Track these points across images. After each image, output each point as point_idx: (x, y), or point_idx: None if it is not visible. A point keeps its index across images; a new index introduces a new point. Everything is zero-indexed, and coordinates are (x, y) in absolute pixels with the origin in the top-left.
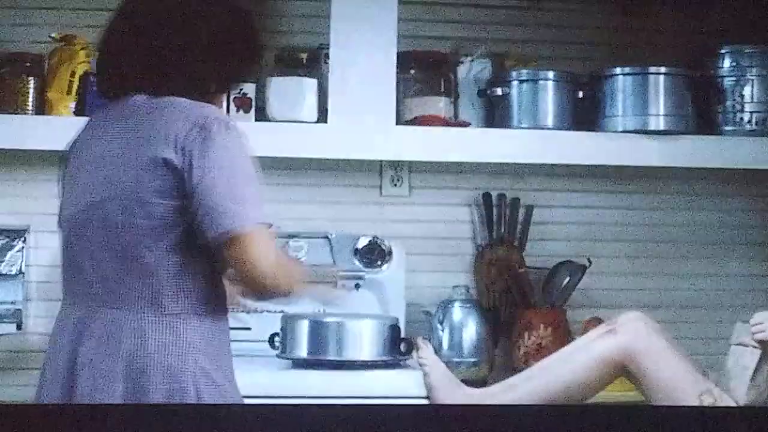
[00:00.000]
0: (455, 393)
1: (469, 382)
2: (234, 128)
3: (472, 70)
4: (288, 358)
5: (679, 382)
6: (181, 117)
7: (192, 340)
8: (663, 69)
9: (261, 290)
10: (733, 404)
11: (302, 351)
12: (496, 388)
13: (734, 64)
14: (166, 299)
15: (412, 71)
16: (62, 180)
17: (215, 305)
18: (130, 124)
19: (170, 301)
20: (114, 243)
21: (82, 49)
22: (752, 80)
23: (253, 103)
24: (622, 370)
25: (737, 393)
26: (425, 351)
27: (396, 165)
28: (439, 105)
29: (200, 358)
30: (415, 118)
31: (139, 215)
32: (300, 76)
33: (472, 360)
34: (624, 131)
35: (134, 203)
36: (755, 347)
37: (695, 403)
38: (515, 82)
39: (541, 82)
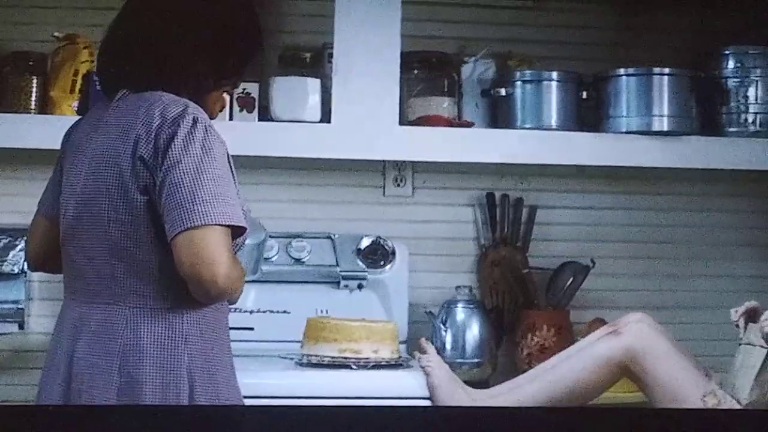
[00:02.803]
0: (458, 394)
1: (471, 383)
2: (204, 124)
3: (475, 71)
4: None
5: (682, 384)
6: (157, 112)
7: (186, 334)
8: (667, 70)
9: (209, 293)
10: (736, 405)
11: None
12: (499, 389)
13: (738, 65)
14: (158, 293)
15: (416, 71)
16: (56, 176)
17: (211, 308)
18: (115, 120)
19: (162, 295)
20: (104, 239)
21: (85, 48)
22: (756, 81)
23: (257, 103)
24: (625, 371)
25: (742, 392)
26: (428, 352)
27: (399, 165)
28: (443, 105)
29: (195, 352)
30: (419, 118)
31: (124, 211)
32: (303, 75)
33: (475, 361)
34: (628, 132)
35: (119, 199)
36: (762, 347)
37: (698, 404)
38: (519, 83)
39: (544, 82)
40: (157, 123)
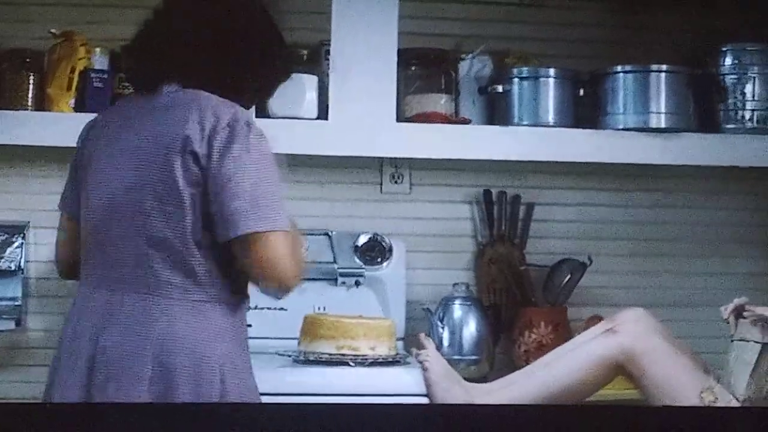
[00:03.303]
0: (454, 389)
1: (469, 380)
2: (259, 131)
3: (473, 68)
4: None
5: (679, 382)
6: (210, 112)
7: (219, 327)
8: (664, 67)
9: (280, 289)
10: (733, 401)
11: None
12: (496, 385)
13: (736, 61)
14: (196, 285)
15: (413, 68)
16: (78, 167)
17: (239, 295)
18: (162, 114)
19: (200, 287)
20: (144, 229)
21: (82, 45)
22: (754, 78)
23: None
24: (621, 370)
25: (738, 388)
26: (427, 347)
27: (396, 162)
28: (440, 102)
29: (227, 345)
30: (416, 115)
31: (170, 203)
32: (300, 72)
33: (473, 358)
34: (625, 129)
35: (165, 191)
36: (756, 341)
37: (696, 401)
38: (516, 80)
39: (542, 79)
40: (211, 122)
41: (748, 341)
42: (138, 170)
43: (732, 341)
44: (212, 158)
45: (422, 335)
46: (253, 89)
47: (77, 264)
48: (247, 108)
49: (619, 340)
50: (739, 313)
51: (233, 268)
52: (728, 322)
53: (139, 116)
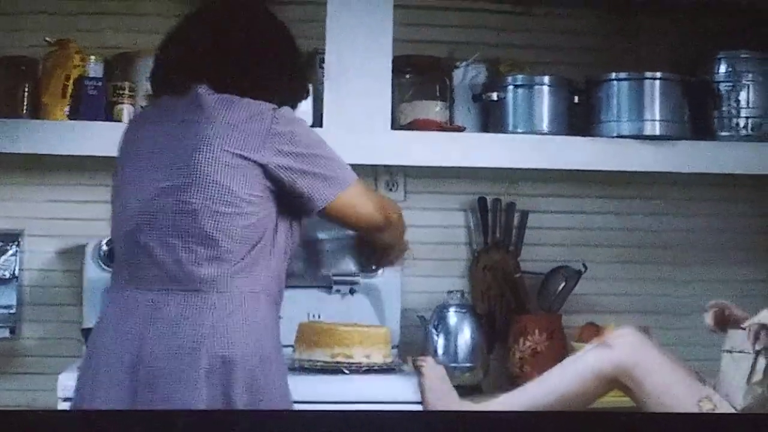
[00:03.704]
0: (449, 397)
1: (464, 388)
2: (300, 119)
3: (467, 75)
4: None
5: (675, 394)
6: (257, 119)
7: (264, 318)
8: (658, 74)
9: (388, 227)
10: (731, 410)
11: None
12: (491, 403)
13: (730, 69)
14: (243, 280)
15: (408, 76)
16: (120, 170)
17: (278, 293)
18: (205, 116)
19: (247, 281)
20: (192, 228)
21: (76, 53)
22: (748, 85)
23: None
24: (616, 383)
25: (735, 398)
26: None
27: (391, 169)
28: (435, 110)
29: (272, 338)
30: (411, 122)
31: (220, 201)
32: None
33: (468, 365)
34: (619, 136)
35: (215, 190)
36: (748, 352)
37: (694, 410)
38: (510, 87)
39: (536, 87)
40: (267, 122)
41: (741, 352)
42: (184, 170)
43: (722, 352)
44: (270, 156)
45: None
46: (281, 98)
47: None
48: None
49: (614, 354)
50: (721, 314)
51: (275, 266)
52: (715, 331)
53: (178, 118)
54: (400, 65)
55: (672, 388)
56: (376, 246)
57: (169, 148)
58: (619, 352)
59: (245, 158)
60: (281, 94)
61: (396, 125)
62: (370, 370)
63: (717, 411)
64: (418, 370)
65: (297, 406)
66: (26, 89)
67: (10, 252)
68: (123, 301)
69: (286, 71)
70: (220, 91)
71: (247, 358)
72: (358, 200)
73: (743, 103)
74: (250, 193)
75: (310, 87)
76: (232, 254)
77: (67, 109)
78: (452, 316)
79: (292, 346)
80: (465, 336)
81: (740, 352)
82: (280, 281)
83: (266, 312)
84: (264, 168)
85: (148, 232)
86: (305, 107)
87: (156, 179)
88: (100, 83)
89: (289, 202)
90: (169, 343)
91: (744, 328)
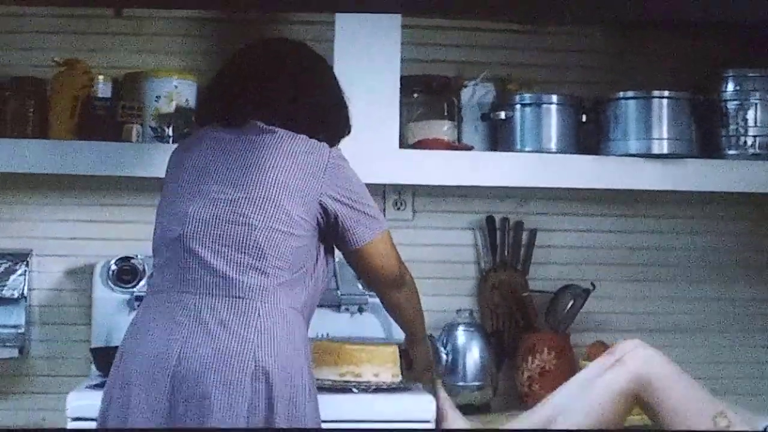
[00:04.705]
0: (459, 423)
1: (473, 407)
2: (347, 161)
3: (475, 94)
4: None
5: (692, 405)
6: (316, 153)
7: (303, 333)
8: (666, 93)
9: (399, 284)
10: (746, 427)
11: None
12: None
13: (738, 88)
14: (286, 293)
15: (416, 95)
16: (167, 186)
17: (310, 318)
18: (266, 142)
19: (290, 295)
20: (243, 239)
21: (84, 73)
22: (756, 104)
23: None
24: (637, 399)
25: None
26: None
27: (399, 188)
28: (443, 129)
29: (307, 351)
30: (419, 141)
31: (275, 219)
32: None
33: (476, 384)
34: (627, 155)
35: (272, 208)
36: None
37: (710, 426)
38: (518, 106)
39: (544, 105)
40: (325, 157)
41: None
42: (243, 186)
43: None
44: (325, 188)
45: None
46: (327, 135)
47: None
48: None
49: (630, 368)
50: None
51: (314, 286)
52: None
53: (235, 143)
54: (408, 84)
55: (689, 401)
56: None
57: (226, 165)
58: (635, 365)
59: (303, 185)
60: (327, 132)
61: (404, 144)
62: (379, 388)
63: (732, 427)
64: (435, 393)
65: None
66: (34, 109)
67: (19, 272)
68: (166, 304)
69: (332, 110)
70: (270, 124)
71: (289, 369)
72: (385, 247)
73: (751, 122)
74: (303, 218)
75: (351, 125)
76: (278, 270)
77: (75, 128)
78: (461, 335)
79: None
80: (473, 355)
81: None
82: (313, 309)
83: (304, 331)
84: (318, 197)
85: (199, 238)
86: None
87: (212, 191)
88: (108, 103)
89: (332, 235)
90: (216, 346)
91: None
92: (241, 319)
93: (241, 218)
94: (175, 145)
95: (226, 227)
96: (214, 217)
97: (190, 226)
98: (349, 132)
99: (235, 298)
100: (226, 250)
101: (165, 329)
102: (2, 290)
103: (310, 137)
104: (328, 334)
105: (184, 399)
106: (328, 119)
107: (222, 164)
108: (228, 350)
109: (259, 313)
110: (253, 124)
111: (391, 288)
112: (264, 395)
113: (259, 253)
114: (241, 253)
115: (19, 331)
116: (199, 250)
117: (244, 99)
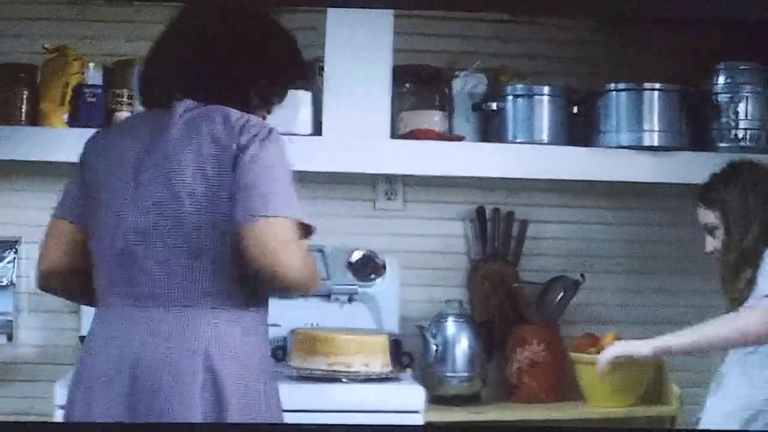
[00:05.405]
0: None
1: (462, 397)
2: (282, 140)
3: (467, 85)
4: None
5: None
6: (242, 127)
7: (257, 332)
8: (657, 85)
9: (282, 282)
10: None
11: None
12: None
13: (729, 80)
14: (235, 294)
15: (407, 85)
16: (89, 184)
17: (267, 305)
18: (188, 129)
19: (239, 295)
20: (183, 243)
21: (75, 60)
22: (747, 97)
23: None
24: None
25: None
26: None
27: (390, 178)
28: (434, 119)
29: (263, 351)
30: (410, 131)
31: (208, 215)
32: (294, 88)
33: (466, 374)
34: (618, 147)
35: (204, 204)
36: None
37: None
38: (510, 97)
39: (536, 97)
40: (237, 131)
41: None
42: (174, 185)
43: None
44: (243, 165)
45: None
46: (263, 102)
47: (71, 274)
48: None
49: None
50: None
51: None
52: None
53: (161, 132)
54: (399, 74)
55: None
56: None
57: (155, 164)
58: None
59: (220, 171)
60: (262, 98)
61: (395, 134)
62: (369, 378)
63: None
64: None
65: (294, 415)
66: (24, 96)
67: (8, 259)
68: (118, 318)
69: (260, 75)
70: (202, 101)
71: (239, 374)
72: (283, 238)
73: (742, 115)
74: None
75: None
76: (227, 268)
77: (65, 116)
78: (450, 326)
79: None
80: (463, 345)
81: None
82: (267, 301)
83: (259, 327)
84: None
85: (142, 249)
86: (304, 115)
87: (145, 197)
88: (99, 90)
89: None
90: (169, 359)
91: None
92: (191, 329)
93: (179, 220)
94: None
95: (168, 233)
96: (154, 224)
97: (126, 240)
98: (298, 76)
99: (184, 307)
100: (171, 258)
101: (119, 346)
102: None
103: (244, 105)
104: (318, 324)
105: (145, 417)
106: (252, 85)
107: (151, 162)
108: (178, 365)
109: (207, 321)
110: (176, 106)
111: (268, 284)
112: (214, 406)
113: (202, 254)
114: (185, 257)
115: (8, 318)
116: (144, 262)
117: (164, 78)
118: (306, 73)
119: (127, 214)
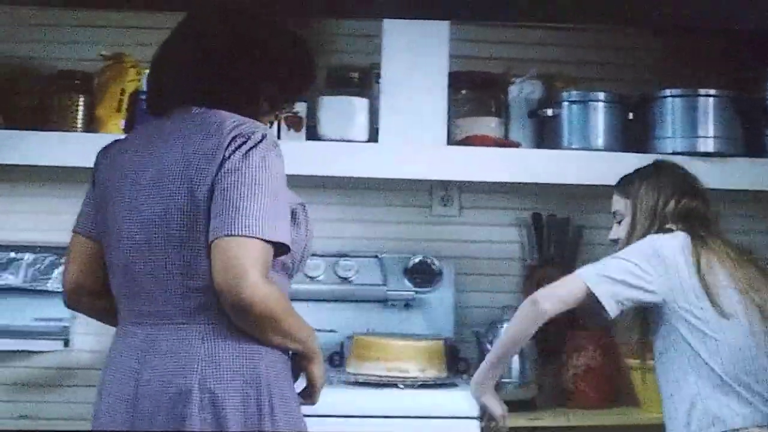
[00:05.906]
0: None
1: (517, 403)
2: (271, 141)
3: (522, 91)
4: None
5: None
6: (232, 137)
7: (259, 345)
8: (712, 91)
9: (235, 305)
10: None
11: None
12: None
13: None
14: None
15: (464, 91)
16: (99, 195)
17: None
18: (182, 139)
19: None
20: (177, 258)
21: (131, 66)
22: None
23: (305, 122)
24: None
25: None
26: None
27: (446, 185)
28: (490, 125)
29: (270, 364)
30: (466, 138)
31: (199, 230)
32: (351, 95)
33: (521, 380)
34: (673, 153)
35: (193, 218)
36: None
37: None
38: (566, 103)
39: (591, 103)
40: (226, 142)
41: None
42: (164, 199)
43: None
44: (221, 178)
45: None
46: (273, 108)
47: (93, 294)
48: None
49: None
50: None
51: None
52: None
53: (157, 145)
54: (455, 81)
55: None
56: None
57: (151, 177)
58: None
59: (207, 186)
60: (272, 103)
61: (451, 141)
62: (425, 384)
63: None
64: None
65: (351, 420)
66: (81, 103)
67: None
68: (123, 334)
69: (271, 80)
70: (203, 106)
71: (239, 391)
72: (251, 259)
73: None
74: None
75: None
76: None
77: (122, 122)
78: None
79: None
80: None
81: None
82: None
83: (258, 343)
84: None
85: (140, 264)
86: (361, 122)
87: (144, 210)
88: None
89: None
90: (164, 378)
91: None
92: (185, 346)
93: (172, 235)
94: None
95: (163, 248)
96: (150, 239)
97: (128, 255)
98: (308, 82)
99: (180, 324)
100: (167, 274)
101: (122, 365)
102: (46, 283)
103: (249, 108)
104: (374, 330)
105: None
106: (255, 93)
107: (148, 176)
108: (173, 385)
109: (202, 337)
110: (174, 114)
111: (225, 305)
112: (212, 425)
113: (195, 269)
114: (179, 273)
115: (64, 324)
116: (141, 278)
117: (162, 86)
118: (316, 78)
119: (126, 230)
